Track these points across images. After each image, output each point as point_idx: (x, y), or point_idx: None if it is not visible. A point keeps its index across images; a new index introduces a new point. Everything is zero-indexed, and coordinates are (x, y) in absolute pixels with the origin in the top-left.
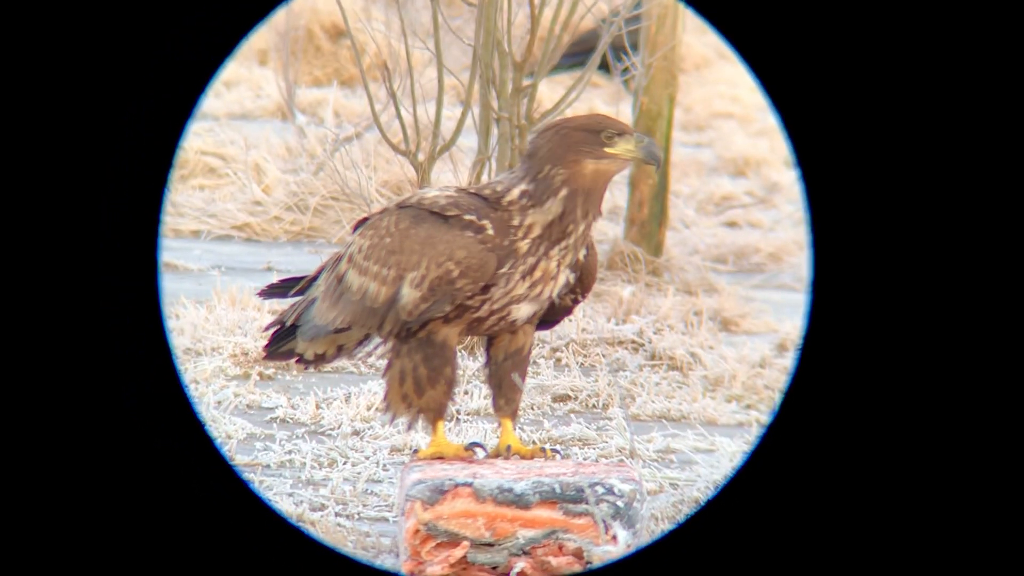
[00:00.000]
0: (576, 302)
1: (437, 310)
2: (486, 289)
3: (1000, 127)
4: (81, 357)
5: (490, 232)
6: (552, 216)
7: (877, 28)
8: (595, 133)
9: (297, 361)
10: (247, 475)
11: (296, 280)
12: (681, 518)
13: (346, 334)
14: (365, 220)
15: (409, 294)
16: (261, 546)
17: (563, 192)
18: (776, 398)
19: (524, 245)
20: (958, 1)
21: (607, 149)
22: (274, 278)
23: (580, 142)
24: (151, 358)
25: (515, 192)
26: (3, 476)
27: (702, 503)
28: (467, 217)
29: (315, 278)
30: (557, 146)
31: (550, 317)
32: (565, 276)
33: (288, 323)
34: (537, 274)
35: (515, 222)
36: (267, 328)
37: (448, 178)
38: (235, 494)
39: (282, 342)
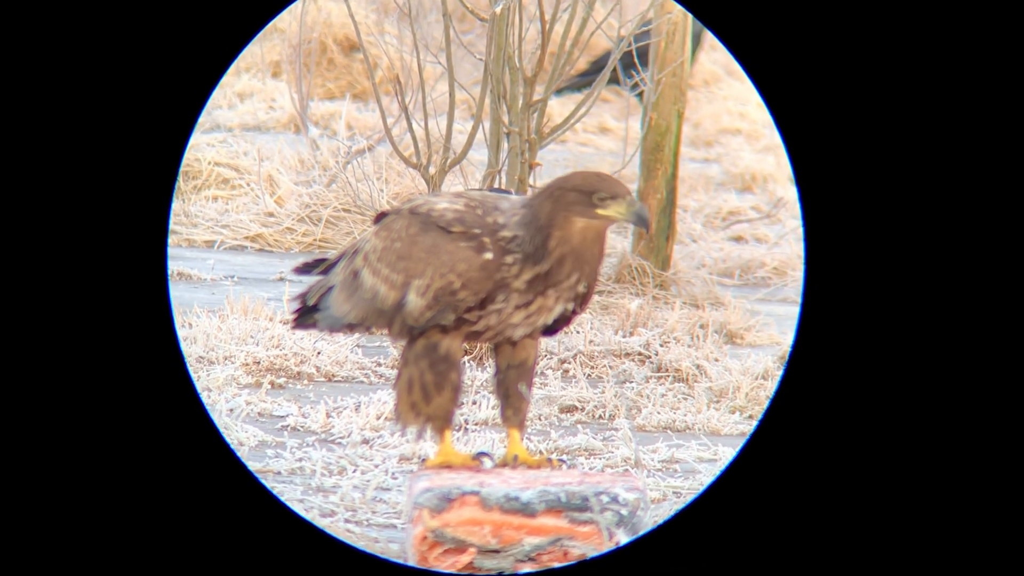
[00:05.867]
0: (575, 313)
1: (442, 318)
2: (483, 306)
3: (998, 142)
4: (92, 366)
5: (489, 256)
6: (540, 271)
7: (881, 45)
8: (587, 195)
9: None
10: (262, 478)
11: (325, 260)
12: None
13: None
14: (386, 214)
15: (414, 301)
16: (277, 547)
17: (555, 255)
18: (767, 404)
19: (518, 284)
20: (963, 18)
21: (598, 211)
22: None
23: (573, 203)
24: (164, 366)
25: (507, 232)
26: (18, 484)
27: (688, 503)
28: (473, 231)
29: (336, 262)
30: (553, 209)
31: (549, 327)
32: (562, 307)
33: (311, 302)
34: (533, 308)
35: (508, 260)
36: (292, 300)
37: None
38: (250, 497)
39: (307, 316)
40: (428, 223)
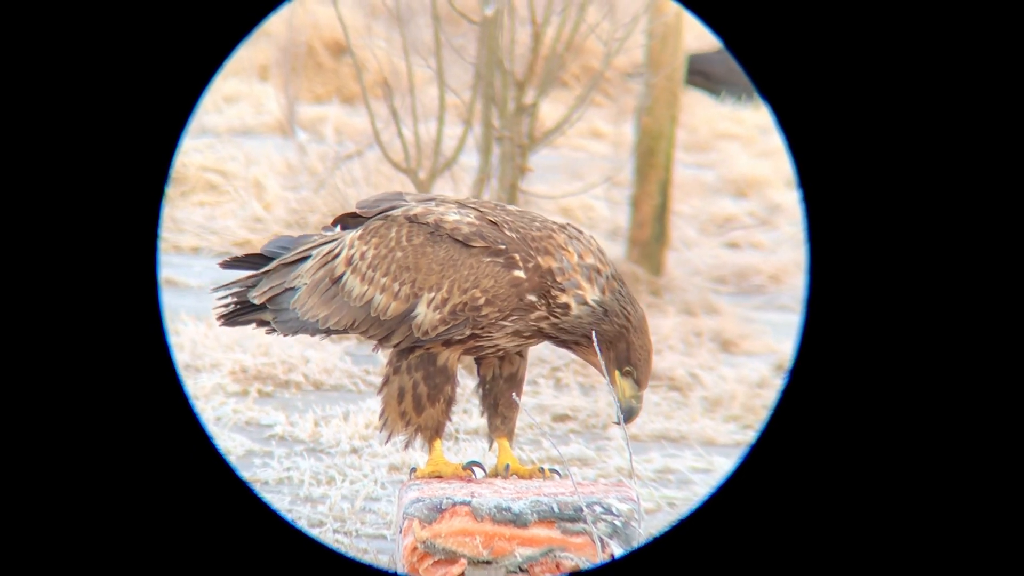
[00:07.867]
0: None
1: (456, 332)
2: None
3: (1002, 140)
4: (81, 373)
5: (520, 274)
6: (562, 336)
7: (882, 47)
8: (627, 359)
9: (259, 326)
10: (252, 485)
11: (261, 257)
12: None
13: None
14: (353, 216)
15: (426, 314)
16: (268, 554)
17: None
18: (766, 416)
19: (544, 325)
20: (965, 23)
21: (616, 373)
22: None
23: (618, 347)
24: (154, 373)
25: (567, 299)
26: (9, 490)
27: (685, 515)
28: (498, 247)
29: (290, 263)
30: (609, 330)
31: None
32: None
33: (257, 301)
34: (524, 340)
35: (561, 300)
36: (216, 289)
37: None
38: (241, 504)
39: (245, 315)
40: (439, 235)
